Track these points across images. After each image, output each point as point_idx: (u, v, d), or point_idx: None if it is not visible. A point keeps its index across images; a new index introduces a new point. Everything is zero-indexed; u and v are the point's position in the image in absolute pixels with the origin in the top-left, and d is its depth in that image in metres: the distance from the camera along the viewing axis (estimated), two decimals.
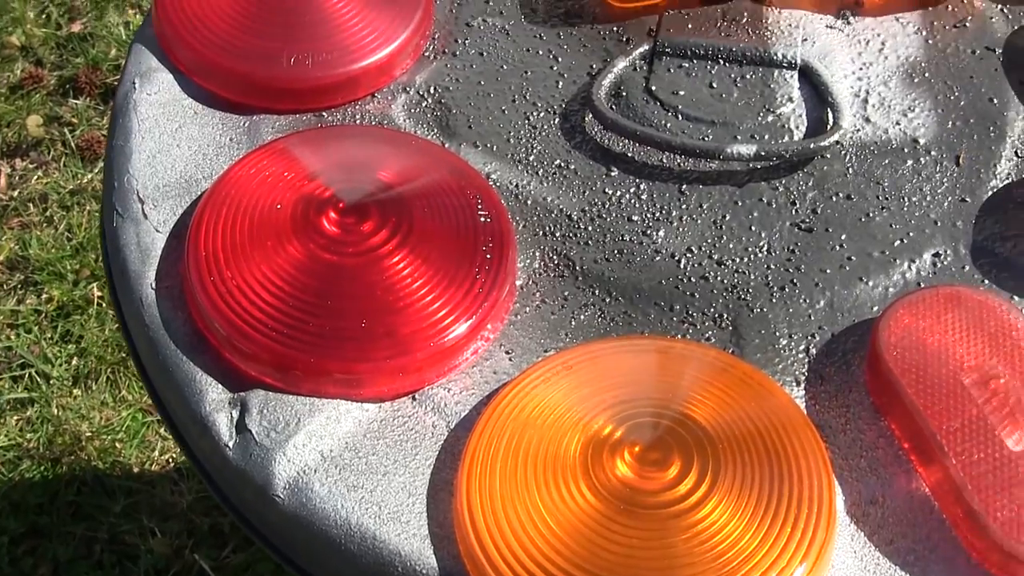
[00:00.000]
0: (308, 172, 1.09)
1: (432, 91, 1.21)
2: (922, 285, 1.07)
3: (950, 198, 1.12)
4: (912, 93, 1.19)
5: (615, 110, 1.17)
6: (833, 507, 0.90)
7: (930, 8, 1.26)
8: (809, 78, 1.19)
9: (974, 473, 0.91)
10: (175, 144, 1.15)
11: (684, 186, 1.13)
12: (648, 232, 1.10)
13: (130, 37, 2.93)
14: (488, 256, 1.04)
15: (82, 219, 2.60)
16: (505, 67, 1.23)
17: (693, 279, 1.07)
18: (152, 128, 1.16)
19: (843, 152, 1.15)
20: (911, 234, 1.10)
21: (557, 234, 1.10)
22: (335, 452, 0.96)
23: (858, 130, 1.16)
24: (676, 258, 1.08)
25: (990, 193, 1.13)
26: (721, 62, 1.20)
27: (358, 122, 1.19)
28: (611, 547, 0.87)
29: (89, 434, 2.28)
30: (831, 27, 1.24)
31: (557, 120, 1.18)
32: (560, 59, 1.23)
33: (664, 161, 1.14)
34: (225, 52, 1.19)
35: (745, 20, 1.23)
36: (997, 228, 1.10)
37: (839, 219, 1.11)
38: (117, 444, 2.28)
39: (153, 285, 1.06)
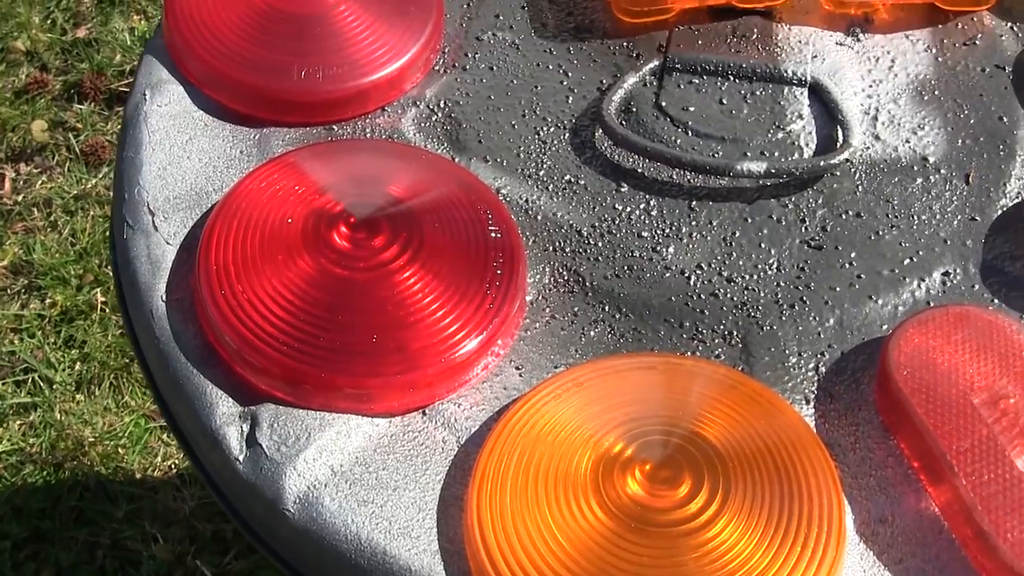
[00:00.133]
0: (319, 186, 1.09)
1: (442, 105, 1.21)
2: (931, 304, 1.07)
3: (960, 216, 1.13)
4: (922, 111, 1.20)
5: (625, 126, 1.17)
6: (843, 526, 0.91)
7: (940, 26, 1.26)
8: (819, 95, 1.19)
9: (984, 494, 0.91)
10: (185, 156, 1.15)
11: (694, 203, 1.13)
12: (658, 248, 1.10)
13: (135, 43, 2.93)
14: (499, 271, 1.04)
15: (86, 224, 2.60)
16: (515, 82, 1.23)
17: (703, 296, 1.07)
18: (163, 140, 1.16)
19: (853, 170, 1.15)
20: (920, 252, 1.10)
21: (567, 250, 1.10)
22: (345, 467, 0.96)
23: (868, 148, 1.17)
24: (686, 275, 1.09)
25: (1000, 212, 1.13)
26: (731, 78, 1.20)
27: (368, 136, 1.19)
28: (621, 565, 0.88)
29: (92, 439, 2.28)
30: (841, 44, 1.24)
31: (567, 135, 1.18)
32: (570, 74, 1.23)
33: (674, 177, 1.15)
34: (236, 64, 1.19)
35: (755, 36, 1.23)
36: (1007, 247, 1.10)
37: (849, 237, 1.11)
38: (120, 450, 2.28)
39: (163, 298, 1.06)
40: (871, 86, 1.21)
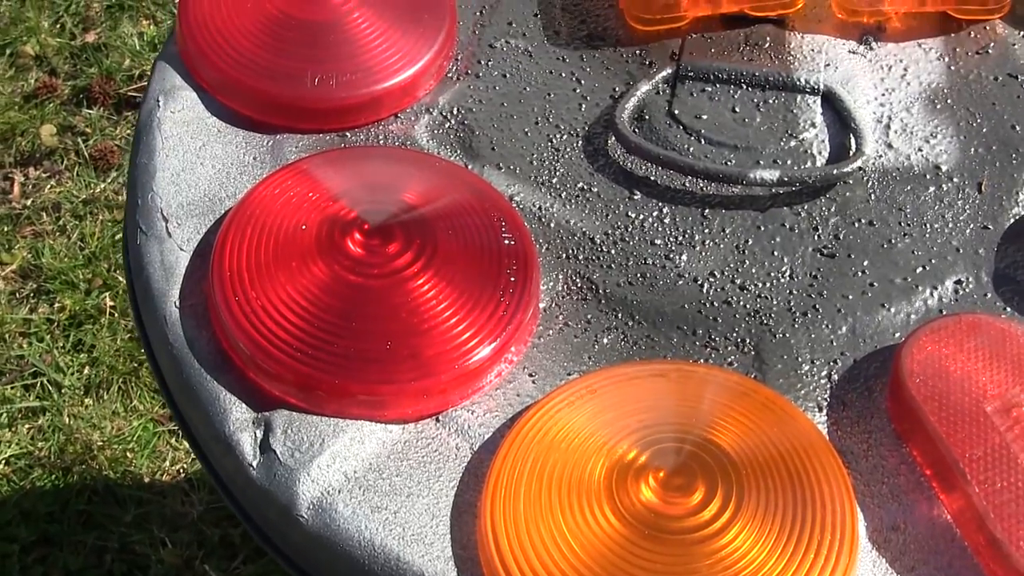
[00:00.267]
0: (332, 193, 1.09)
1: (455, 112, 1.21)
2: (944, 312, 1.07)
3: (972, 225, 1.13)
4: (934, 119, 1.20)
5: (638, 133, 1.18)
6: (855, 533, 0.91)
7: (952, 34, 1.26)
8: (832, 103, 1.19)
9: (997, 501, 0.91)
10: (199, 162, 1.16)
11: (707, 210, 1.13)
12: (671, 256, 1.10)
13: (144, 48, 2.93)
14: (512, 279, 1.04)
15: (95, 228, 2.60)
16: (528, 89, 1.23)
17: (716, 303, 1.08)
18: (176, 146, 1.16)
19: (865, 178, 1.15)
20: (933, 261, 1.10)
21: (580, 257, 1.11)
22: (359, 473, 0.97)
23: (880, 156, 1.17)
24: (699, 282, 1.09)
25: (1012, 220, 1.13)
26: (744, 87, 1.20)
27: (381, 143, 1.19)
28: (635, 572, 0.88)
29: (100, 443, 2.29)
30: (854, 52, 1.24)
31: (580, 143, 1.19)
32: (583, 81, 1.24)
33: (687, 185, 1.15)
34: (249, 71, 1.19)
35: (768, 45, 1.24)
36: (1019, 256, 1.10)
37: (861, 245, 1.11)
38: (128, 454, 2.28)
39: (177, 304, 1.06)
40: (884, 94, 1.22)
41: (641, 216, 1.13)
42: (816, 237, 1.12)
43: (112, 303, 2.48)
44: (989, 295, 1.08)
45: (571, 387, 0.99)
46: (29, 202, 2.66)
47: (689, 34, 1.25)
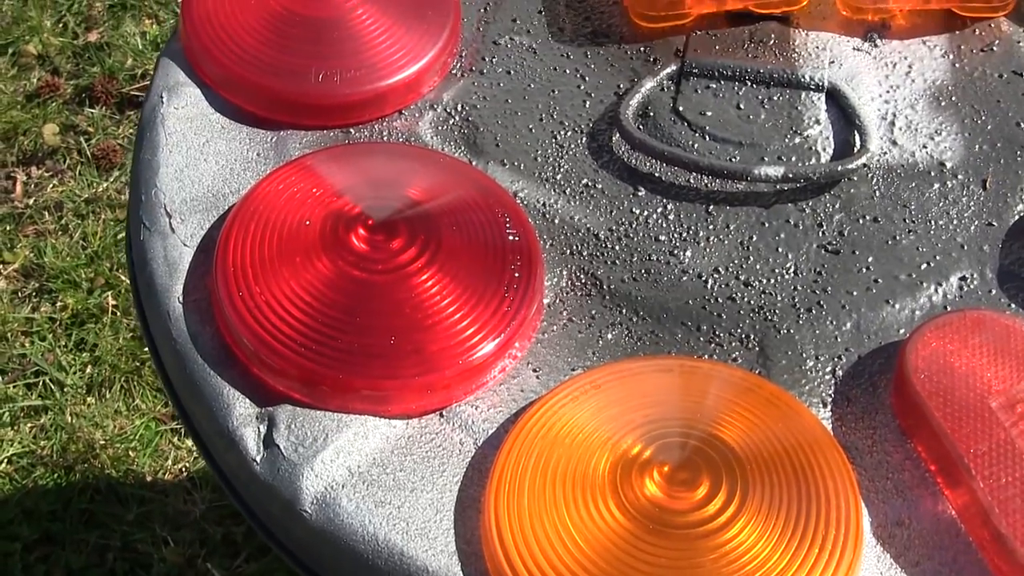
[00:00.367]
0: (336, 188, 1.09)
1: (459, 109, 1.21)
2: (949, 308, 1.07)
3: (977, 222, 1.13)
4: (939, 116, 1.20)
5: (642, 130, 1.18)
6: (860, 528, 0.91)
7: (957, 32, 1.26)
8: (836, 100, 1.19)
9: (1002, 496, 0.91)
10: (202, 158, 1.16)
11: (711, 207, 1.13)
12: (675, 252, 1.10)
13: (146, 47, 2.93)
14: (516, 274, 1.04)
15: (97, 228, 2.60)
16: (532, 86, 1.23)
17: (720, 299, 1.08)
18: (179, 142, 1.16)
19: (870, 175, 1.15)
20: (938, 257, 1.10)
21: (584, 253, 1.11)
22: (363, 468, 0.97)
23: (885, 153, 1.17)
24: (703, 278, 1.09)
25: (1017, 217, 1.13)
26: (748, 83, 1.20)
27: (385, 139, 1.19)
28: (639, 567, 0.88)
29: (103, 442, 2.28)
30: (858, 50, 1.24)
31: (584, 139, 1.19)
32: (587, 78, 1.24)
33: (691, 182, 1.15)
34: (253, 67, 1.19)
35: (772, 42, 1.24)
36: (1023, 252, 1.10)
37: (866, 241, 1.11)
38: (130, 452, 2.28)
39: (180, 299, 1.06)
40: (888, 91, 1.21)
41: (645, 212, 1.13)
42: (820, 234, 1.12)
43: (114, 302, 2.48)
44: (994, 291, 1.08)
45: (575, 382, 0.99)
46: (31, 201, 2.66)
47: (694, 31, 1.25)
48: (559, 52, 1.26)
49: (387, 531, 0.93)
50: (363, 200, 1.08)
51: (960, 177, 1.16)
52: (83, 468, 2.26)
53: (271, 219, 1.07)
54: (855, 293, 1.08)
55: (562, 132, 1.19)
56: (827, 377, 1.03)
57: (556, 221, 1.13)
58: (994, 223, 1.12)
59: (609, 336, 1.06)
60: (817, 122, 1.18)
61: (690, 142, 1.17)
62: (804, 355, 1.04)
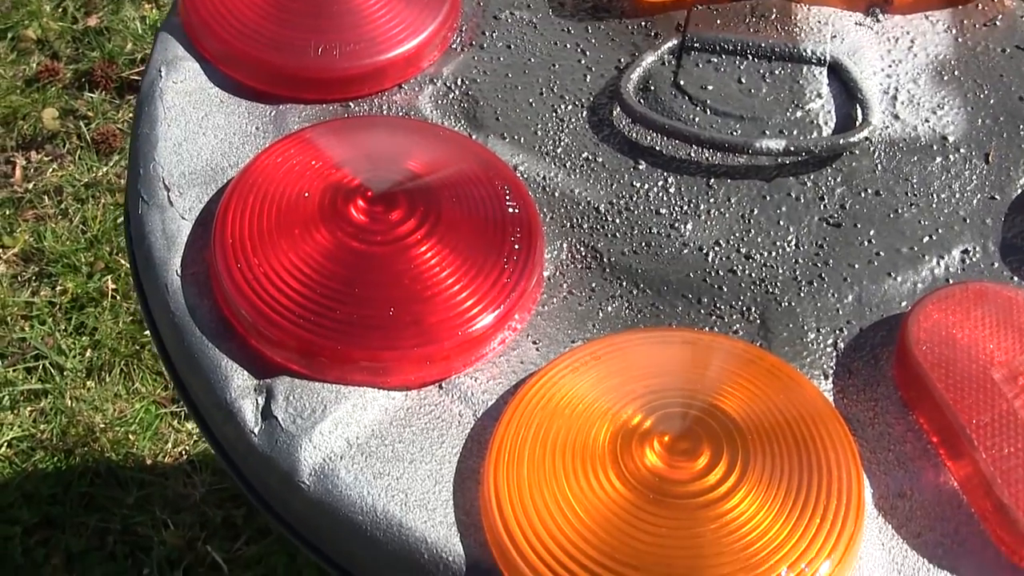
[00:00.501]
0: (335, 161, 1.08)
1: (459, 83, 1.21)
2: (951, 281, 1.07)
3: (979, 195, 1.12)
4: (942, 91, 1.19)
5: (643, 104, 1.17)
6: (862, 499, 0.90)
7: (960, 6, 1.26)
8: (838, 75, 1.19)
9: (1004, 467, 0.91)
10: (201, 132, 1.15)
11: (712, 180, 1.13)
12: (676, 225, 1.10)
13: (146, 31, 2.93)
14: (516, 246, 1.04)
15: (97, 212, 2.60)
16: (533, 60, 1.23)
17: (721, 272, 1.07)
18: (178, 116, 1.16)
19: (872, 148, 1.15)
20: (940, 231, 1.10)
21: (585, 226, 1.10)
22: (361, 439, 0.96)
23: (887, 127, 1.16)
24: (704, 251, 1.08)
25: (1019, 191, 1.12)
26: (750, 58, 1.20)
27: (385, 113, 1.18)
28: (640, 536, 0.87)
29: (102, 426, 2.28)
30: (860, 24, 1.24)
31: (585, 113, 1.18)
32: (588, 53, 1.23)
33: (692, 155, 1.14)
34: (252, 41, 1.19)
35: (774, 16, 1.23)
36: None
37: (868, 215, 1.11)
38: (130, 436, 2.28)
39: (179, 272, 1.06)
40: (890, 66, 1.21)
41: (646, 186, 1.13)
42: (822, 207, 1.11)
43: (114, 286, 2.48)
44: (996, 264, 1.08)
45: (575, 353, 0.99)
46: (31, 186, 2.66)
47: (695, 5, 1.25)
48: (560, 26, 1.26)
49: (386, 503, 0.93)
50: (362, 172, 1.07)
51: (962, 151, 1.15)
52: (83, 452, 2.26)
53: (270, 191, 1.06)
54: (857, 266, 1.07)
55: (562, 106, 1.19)
56: (829, 349, 1.03)
57: (556, 194, 1.12)
58: (996, 196, 1.12)
59: (609, 309, 1.06)
60: (819, 96, 1.17)
61: (691, 116, 1.16)
62: (805, 327, 1.04)
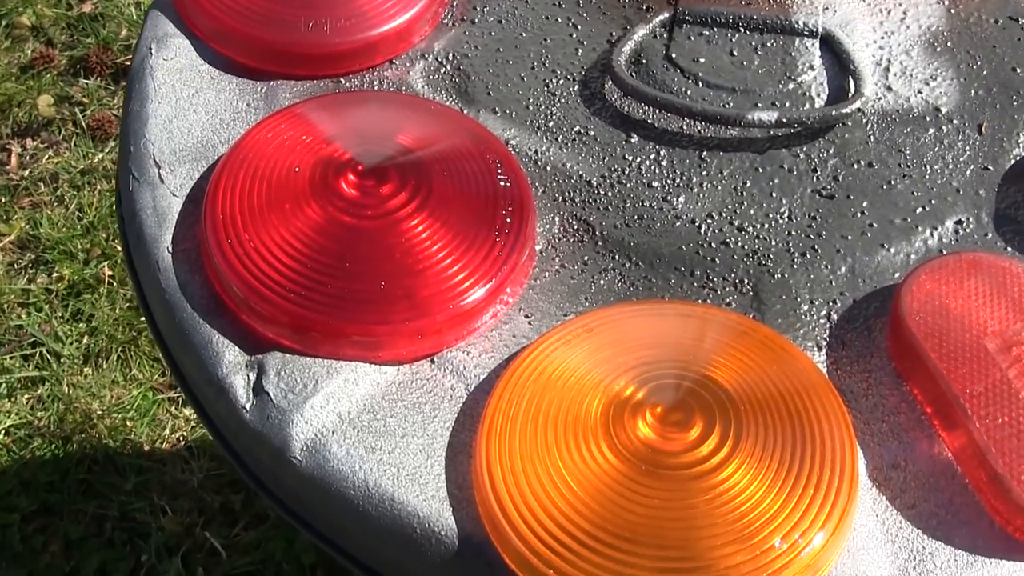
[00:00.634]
0: (326, 136, 1.08)
1: (451, 58, 1.20)
2: (944, 252, 1.06)
3: (972, 166, 1.12)
4: (934, 62, 1.19)
5: (635, 77, 1.16)
6: (855, 470, 0.90)
7: None
8: (830, 46, 1.18)
9: (998, 437, 0.90)
10: (192, 109, 1.15)
11: (704, 153, 1.12)
12: (668, 198, 1.09)
13: (141, 17, 2.92)
14: (508, 220, 1.03)
15: (93, 198, 2.59)
16: (524, 34, 1.22)
17: (714, 245, 1.07)
18: (169, 93, 1.16)
19: (865, 120, 1.14)
20: (933, 202, 1.09)
21: (577, 200, 1.10)
22: (353, 414, 0.96)
23: (880, 98, 1.16)
24: (696, 224, 1.08)
25: (1013, 162, 1.12)
26: (742, 30, 1.19)
27: (376, 88, 1.18)
28: (632, 508, 0.87)
29: (100, 412, 2.28)
30: None
31: (576, 87, 1.18)
32: (579, 27, 1.23)
33: (684, 128, 1.14)
34: (242, 18, 1.18)
35: None
36: (1020, 196, 1.09)
37: (860, 186, 1.10)
38: (128, 422, 2.27)
39: (170, 249, 1.05)
40: (883, 38, 1.20)
41: (638, 159, 1.12)
42: (815, 179, 1.11)
43: (110, 272, 2.48)
44: (990, 235, 1.07)
45: (567, 326, 0.98)
46: (27, 173, 2.66)
47: None
48: (551, 1, 1.25)
49: (378, 477, 0.92)
50: (353, 147, 1.07)
51: (955, 122, 1.15)
52: (80, 438, 2.26)
53: (260, 167, 1.06)
54: (850, 237, 1.07)
55: (554, 80, 1.18)
56: (822, 321, 1.02)
57: (548, 168, 1.12)
58: (990, 167, 1.11)
59: (602, 282, 1.05)
60: (811, 68, 1.17)
61: (683, 89, 1.16)
62: (799, 299, 1.03)
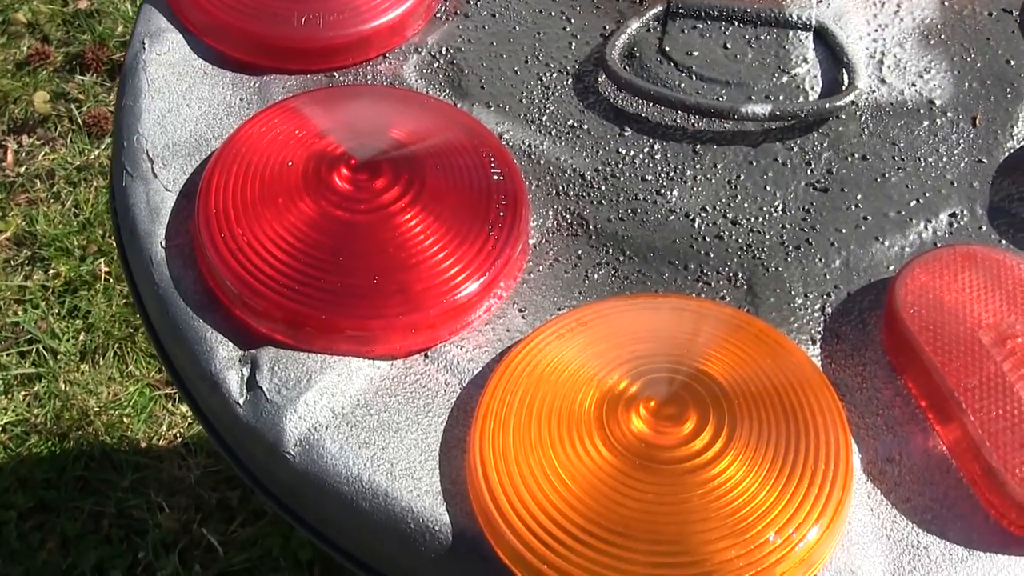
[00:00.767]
0: (319, 130, 1.08)
1: (444, 52, 1.20)
2: (938, 245, 1.06)
3: (966, 159, 1.11)
4: (928, 55, 1.18)
5: (629, 71, 1.16)
6: (850, 464, 0.90)
7: None
8: (824, 39, 1.18)
9: (992, 430, 0.90)
10: (185, 104, 1.14)
11: (698, 146, 1.12)
12: (662, 191, 1.09)
13: (136, 14, 2.92)
14: (501, 214, 1.03)
15: (89, 195, 2.59)
16: (518, 28, 1.22)
17: (707, 238, 1.06)
18: (162, 88, 1.15)
19: (858, 113, 1.14)
20: (927, 194, 1.09)
21: (570, 193, 1.09)
22: (347, 409, 0.96)
23: (873, 91, 1.16)
24: (690, 217, 1.08)
25: (1007, 154, 1.12)
26: (735, 23, 1.19)
27: (369, 83, 1.18)
28: (626, 502, 0.87)
29: (97, 409, 2.28)
30: None
31: (570, 81, 1.17)
32: (573, 20, 1.22)
33: (678, 121, 1.14)
34: (235, 12, 1.18)
35: None
36: (1014, 189, 1.09)
37: (854, 179, 1.10)
38: (125, 419, 2.27)
39: (163, 244, 1.05)
40: (877, 30, 1.20)
41: (632, 152, 1.12)
42: (809, 172, 1.10)
43: (107, 269, 2.47)
44: (984, 228, 1.07)
45: (561, 320, 0.98)
46: (23, 169, 2.65)
47: None
48: None
49: (371, 472, 0.92)
50: (346, 141, 1.07)
51: (949, 115, 1.14)
52: (77, 435, 2.26)
53: (254, 161, 1.05)
54: (844, 230, 1.07)
55: (548, 74, 1.18)
56: (816, 314, 1.02)
57: (542, 162, 1.12)
58: (984, 160, 1.11)
59: (595, 276, 1.05)
60: (805, 61, 1.16)
61: (677, 82, 1.16)
62: (793, 292, 1.03)
